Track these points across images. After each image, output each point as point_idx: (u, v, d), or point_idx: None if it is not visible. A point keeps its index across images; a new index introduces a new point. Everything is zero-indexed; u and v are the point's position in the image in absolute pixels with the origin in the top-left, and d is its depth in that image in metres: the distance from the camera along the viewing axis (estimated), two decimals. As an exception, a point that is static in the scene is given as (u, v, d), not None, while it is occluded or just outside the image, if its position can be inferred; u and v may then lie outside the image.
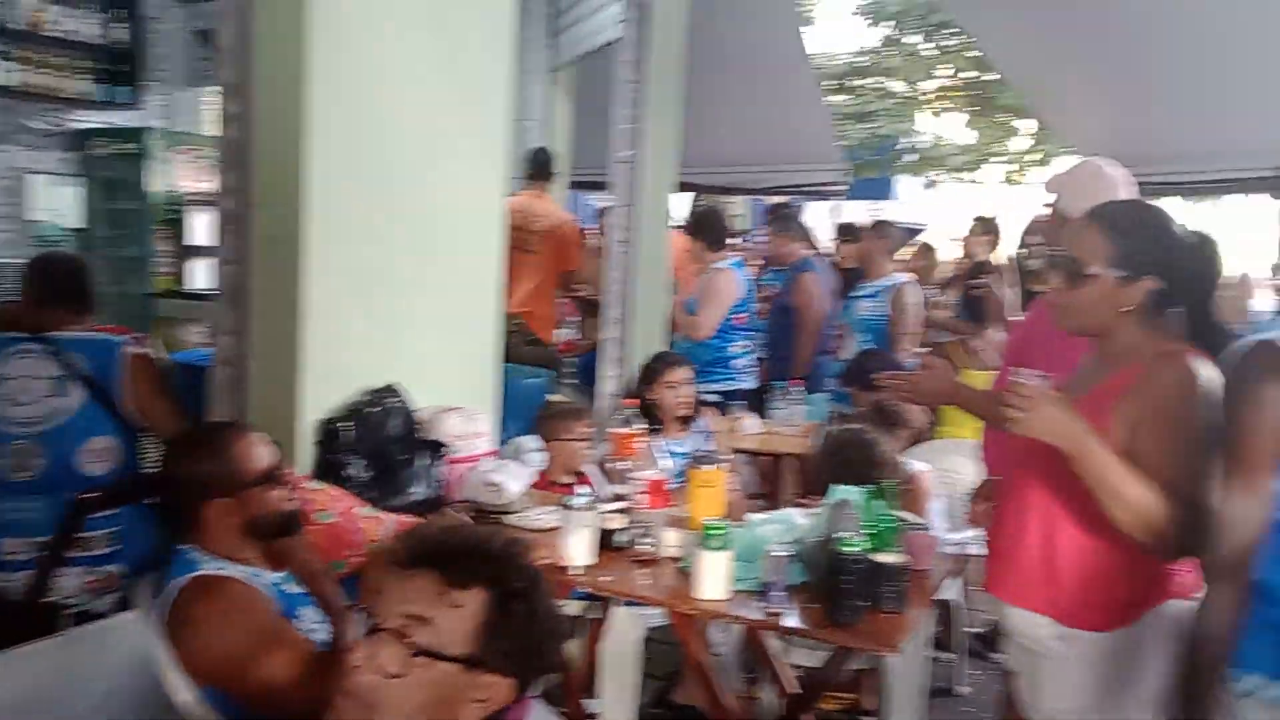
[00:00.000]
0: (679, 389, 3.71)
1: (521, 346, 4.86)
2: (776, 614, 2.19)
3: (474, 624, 1.28)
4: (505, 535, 1.40)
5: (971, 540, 2.98)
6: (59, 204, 6.08)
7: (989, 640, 3.89)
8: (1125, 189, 2.47)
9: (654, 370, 3.76)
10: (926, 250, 6.74)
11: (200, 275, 6.06)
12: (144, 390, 2.61)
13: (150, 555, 2.58)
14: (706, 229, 4.89)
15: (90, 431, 2.57)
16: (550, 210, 5.19)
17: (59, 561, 2.51)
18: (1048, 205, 2.60)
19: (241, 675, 1.84)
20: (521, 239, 5.15)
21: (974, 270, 4.33)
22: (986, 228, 6.38)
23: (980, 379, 3.52)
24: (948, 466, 3.56)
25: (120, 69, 6.31)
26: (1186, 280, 1.85)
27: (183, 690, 1.87)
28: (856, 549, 2.16)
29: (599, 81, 5.38)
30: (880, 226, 5.31)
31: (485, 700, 1.30)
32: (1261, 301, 5.65)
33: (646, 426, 2.91)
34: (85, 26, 6.12)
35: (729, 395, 4.71)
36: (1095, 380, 1.90)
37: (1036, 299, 2.64)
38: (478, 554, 1.32)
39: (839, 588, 2.15)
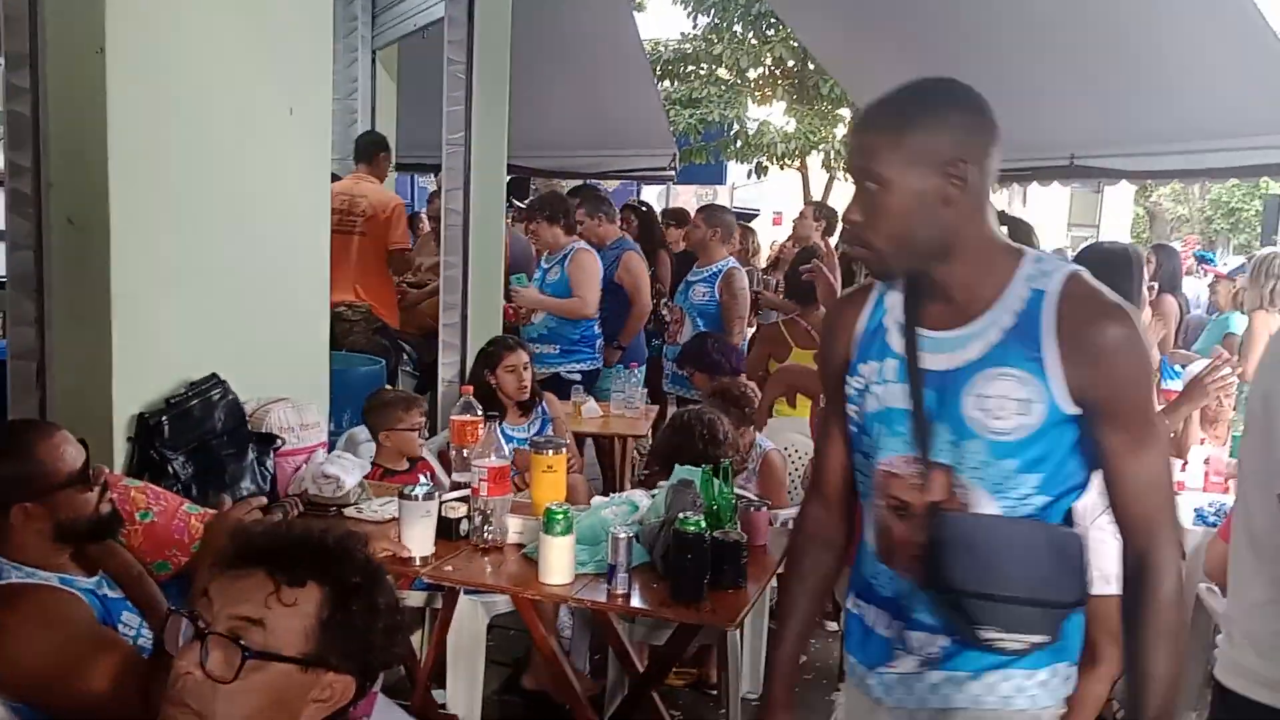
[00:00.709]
0: (519, 373, 3.69)
1: (368, 334, 4.73)
2: (621, 595, 2.22)
3: (310, 622, 1.22)
4: (338, 529, 1.35)
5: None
6: None
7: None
8: None
9: (492, 355, 3.73)
10: (746, 233, 6.94)
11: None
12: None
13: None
14: (562, 212, 4.87)
15: None
16: (372, 191, 5.06)
17: None
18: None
19: (57, 688, 1.72)
20: (347, 222, 5.01)
21: (805, 253, 4.50)
22: (820, 212, 6.65)
23: (807, 357, 3.69)
24: (787, 443, 3.70)
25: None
26: None
27: (-6, 708, 1.74)
28: (695, 528, 2.20)
29: (424, 62, 5.28)
30: (711, 212, 5.42)
31: (326, 700, 1.26)
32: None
33: (484, 413, 2.87)
34: None
35: (590, 375, 4.72)
36: None
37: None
38: (311, 550, 1.26)
39: (680, 566, 2.20)
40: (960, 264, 1.43)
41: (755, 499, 2.65)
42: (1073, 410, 1.39)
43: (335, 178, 5.31)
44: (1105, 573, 1.61)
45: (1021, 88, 5.25)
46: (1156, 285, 5.52)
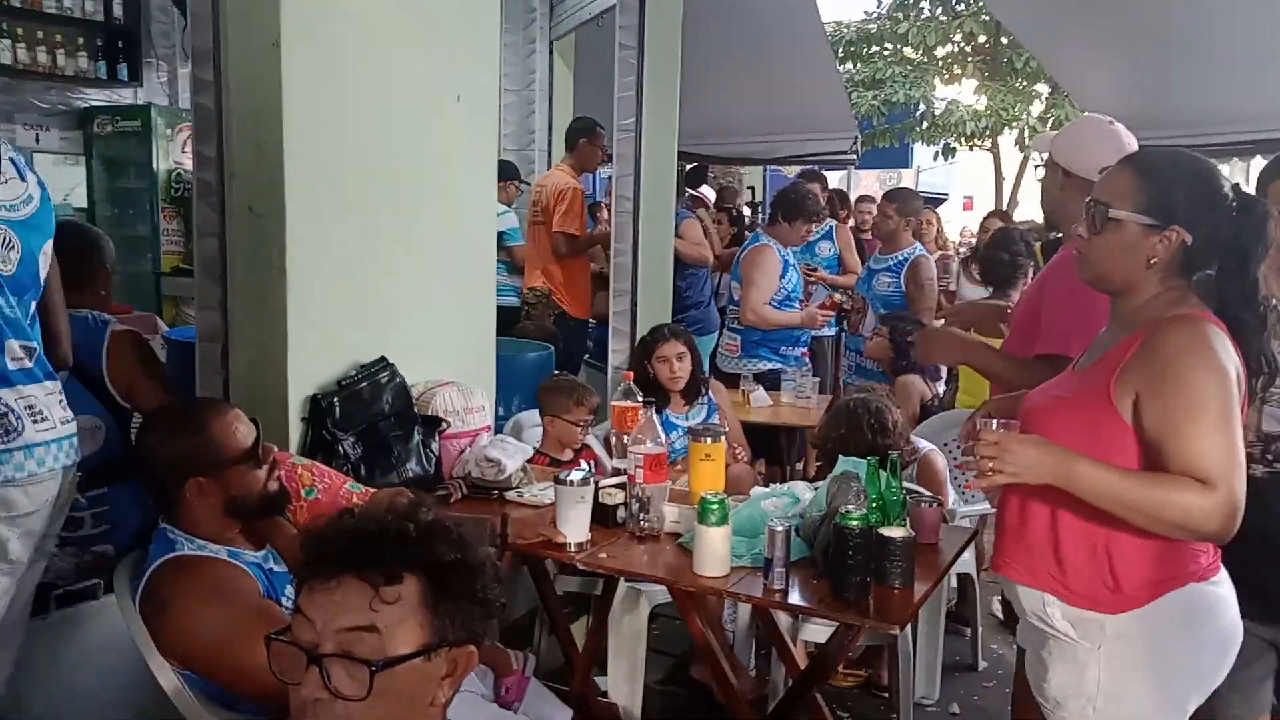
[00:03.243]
0: (671, 363, 3.63)
1: (543, 320, 4.81)
2: (778, 591, 2.11)
3: (419, 613, 1.19)
4: (411, 508, 1.27)
5: (986, 510, 2.90)
6: (65, 183, 6.04)
7: (1008, 614, 3.81)
8: (1129, 142, 2.36)
9: (648, 343, 3.69)
10: (931, 219, 6.61)
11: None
12: (129, 369, 2.55)
13: (140, 535, 2.54)
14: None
15: (75, 411, 2.50)
16: (552, 180, 5.16)
17: (49, 541, 2.45)
18: (1039, 165, 2.49)
19: (220, 659, 1.79)
20: (534, 212, 5.15)
21: (1003, 235, 4.24)
22: (1003, 219, 6.35)
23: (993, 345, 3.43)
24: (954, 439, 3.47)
25: (120, 46, 6.24)
26: (1223, 240, 1.70)
27: (164, 673, 1.82)
28: (860, 523, 2.07)
29: (600, 50, 5.28)
30: (902, 198, 5.19)
31: (455, 673, 1.24)
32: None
33: (643, 400, 2.81)
34: (84, 3, 6.05)
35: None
36: (1108, 344, 1.80)
37: (1049, 264, 2.53)
38: (396, 541, 1.21)
39: (840, 563, 2.07)
40: None
41: (927, 495, 2.48)
42: None
43: (506, 165, 5.44)
44: None
45: (1242, 54, 4.77)
46: None
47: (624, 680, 2.94)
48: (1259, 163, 6.68)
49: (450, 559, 1.22)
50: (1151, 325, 1.70)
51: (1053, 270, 2.41)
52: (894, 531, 2.12)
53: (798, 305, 4.73)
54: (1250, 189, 1.82)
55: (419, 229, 2.91)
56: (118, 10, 6.20)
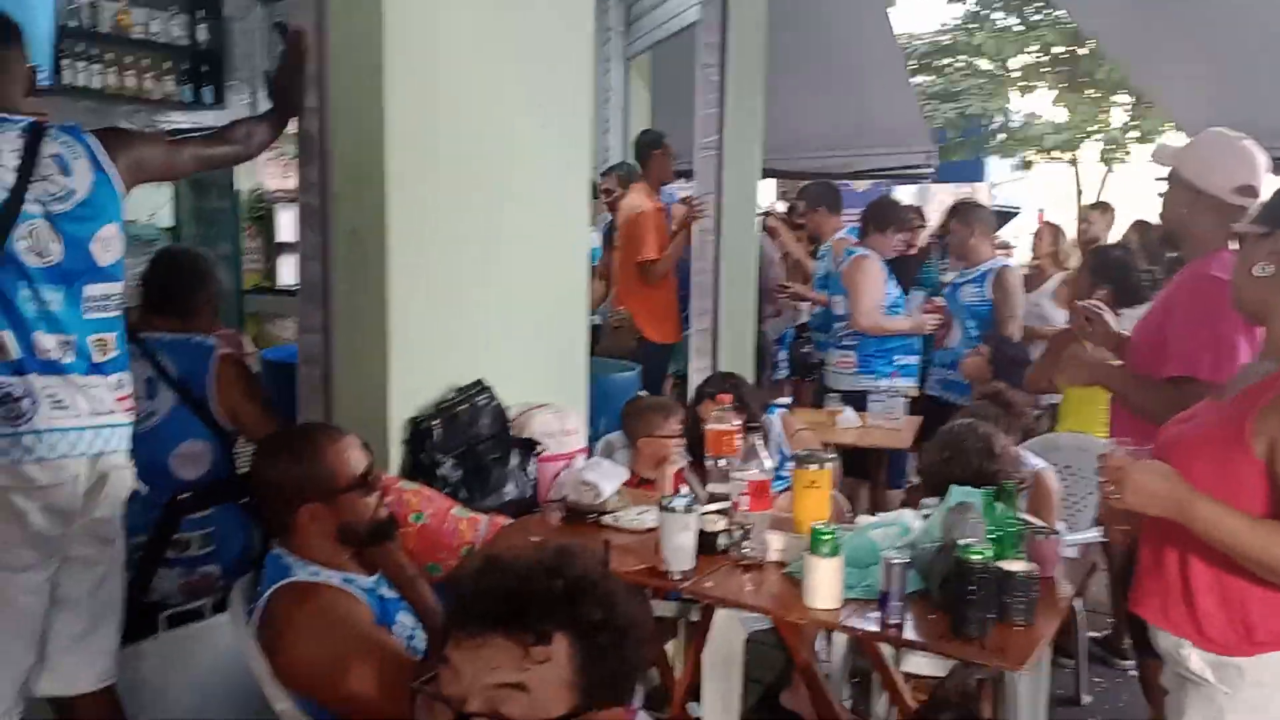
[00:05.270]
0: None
1: (628, 342, 4.79)
2: (895, 625, 2.05)
3: (566, 673, 1.16)
4: (558, 562, 1.23)
5: (1094, 539, 2.80)
6: (153, 204, 6.18)
7: (1111, 645, 3.69)
8: (1262, 159, 2.26)
9: (700, 395, 3.38)
10: (1054, 232, 6.32)
11: (289, 271, 6.12)
12: (235, 394, 2.57)
13: (244, 557, 2.56)
14: None
15: (182, 435, 2.53)
16: (628, 202, 5.12)
17: (157, 562, 2.49)
18: (1161, 179, 2.40)
19: (332, 685, 1.78)
20: (614, 236, 5.12)
21: (1099, 254, 4.13)
22: (1103, 210, 6.20)
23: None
24: (1068, 462, 3.37)
25: (205, 69, 6.38)
26: None
27: (279, 699, 1.82)
28: (981, 557, 2.00)
29: (676, 67, 5.28)
30: (964, 210, 5.11)
31: None
32: None
33: (744, 424, 2.74)
34: (170, 28, 6.20)
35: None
36: (1253, 377, 1.71)
37: (1174, 282, 2.44)
38: (544, 601, 1.17)
39: (962, 598, 2.00)
40: None
41: (1043, 526, 2.39)
42: None
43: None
44: None
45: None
46: None
47: (720, 709, 2.88)
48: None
49: (598, 618, 1.18)
50: None
51: (1179, 290, 2.32)
52: (1017, 566, 2.05)
53: (902, 313, 4.67)
54: None
55: (513, 250, 2.90)
56: (202, 35, 6.34)
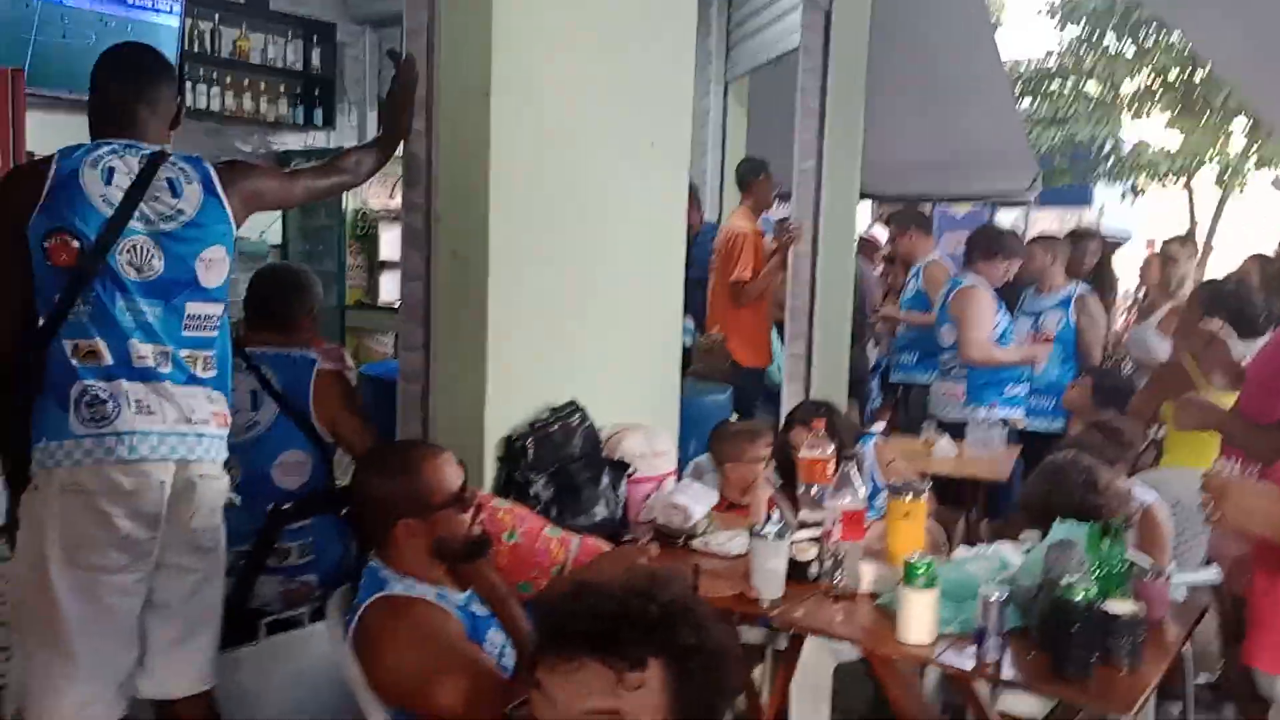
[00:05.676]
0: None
1: (721, 364, 4.78)
2: (992, 663, 1.99)
3: (660, 698, 1.16)
4: (651, 587, 1.23)
5: (1208, 580, 2.68)
6: (263, 222, 6.42)
7: (1219, 689, 3.51)
8: None
9: (789, 422, 3.27)
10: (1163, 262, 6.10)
11: (390, 287, 6.28)
12: (335, 407, 2.64)
13: (340, 568, 2.62)
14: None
15: (284, 445, 2.60)
16: (728, 225, 5.12)
17: (259, 570, 2.56)
18: None
19: (423, 698, 1.81)
20: (713, 260, 5.12)
21: (1213, 284, 3.99)
22: (1182, 242, 5.98)
23: (1226, 400, 3.12)
24: (1177, 497, 3.22)
25: (316, 92, 6.62)
26: None
27: (374, 709, 1.85)
28: (1085, 596, 1.93)
29: (774, 91, 5.26)
30: (1043, 241, 5.08)
31: None
32: None
33: (834, 453, 2.69)
34: (285, 53, 6.45)
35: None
36: None
37: None
38: (638, 628, 1.18)
39: (1064, 639, 1.93)
40: None
41: (1149, 565, 2.30)
42: None
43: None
44: None
45: None
46: None
47: (807, 739, 2.84)
48: None
49: (691, 644, 1.18)
50: None
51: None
52: (1122, 607, 1.97)
53: (1011, 343, 4.57)
54: None
55: (609, 272, 2.93)
56: (315, 60, 6.58)
